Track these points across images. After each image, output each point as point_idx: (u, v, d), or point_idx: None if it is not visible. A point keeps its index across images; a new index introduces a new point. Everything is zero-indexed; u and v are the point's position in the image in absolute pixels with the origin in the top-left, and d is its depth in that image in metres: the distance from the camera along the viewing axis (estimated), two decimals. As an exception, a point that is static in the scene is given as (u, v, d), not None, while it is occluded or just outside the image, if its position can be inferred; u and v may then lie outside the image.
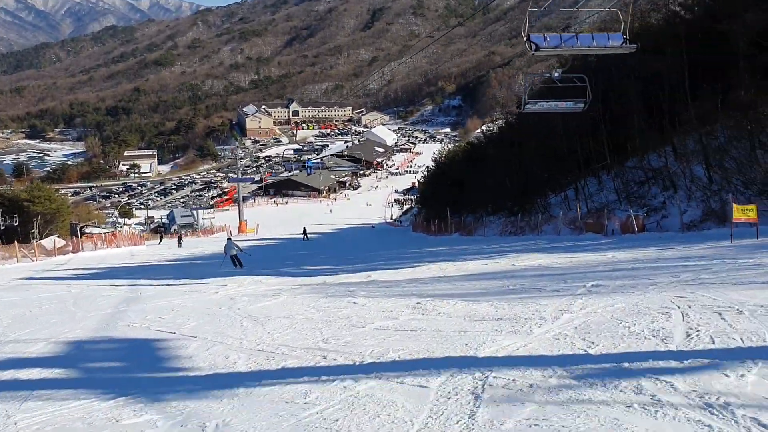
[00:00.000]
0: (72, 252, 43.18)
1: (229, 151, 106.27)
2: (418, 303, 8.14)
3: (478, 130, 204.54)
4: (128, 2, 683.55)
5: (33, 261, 35.51)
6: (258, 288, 11.63)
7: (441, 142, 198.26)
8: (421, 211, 77.02)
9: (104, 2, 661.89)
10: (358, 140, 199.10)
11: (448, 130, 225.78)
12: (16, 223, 48.24)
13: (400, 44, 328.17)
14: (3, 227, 47.05)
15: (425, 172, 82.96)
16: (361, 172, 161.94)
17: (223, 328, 7.57)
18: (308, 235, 46.81)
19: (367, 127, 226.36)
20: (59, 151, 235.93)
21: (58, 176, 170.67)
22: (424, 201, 62.17)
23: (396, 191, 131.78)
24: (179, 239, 50.32)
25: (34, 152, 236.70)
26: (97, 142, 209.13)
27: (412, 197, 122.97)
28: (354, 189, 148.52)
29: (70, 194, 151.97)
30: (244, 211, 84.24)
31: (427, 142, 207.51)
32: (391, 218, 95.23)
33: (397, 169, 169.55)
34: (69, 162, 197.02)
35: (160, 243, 53.04)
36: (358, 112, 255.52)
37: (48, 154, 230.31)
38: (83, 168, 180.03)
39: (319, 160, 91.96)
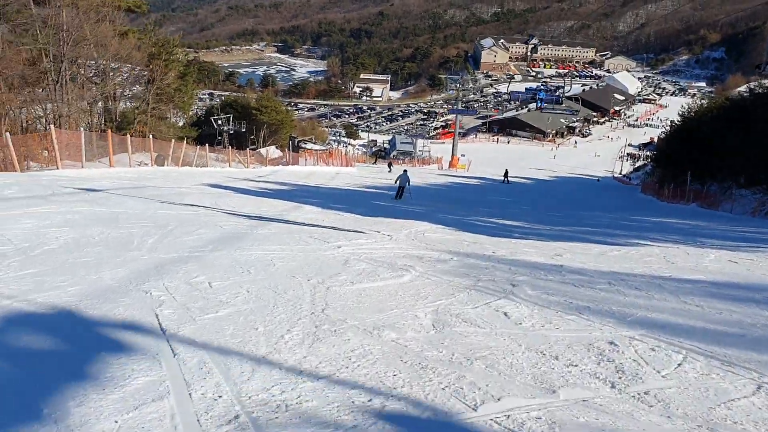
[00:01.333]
0: (283, 164, 43.97)
1: (458, 83, 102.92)
2: (612, 345, 4.47)
3: (741, 88, 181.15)
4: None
5: (245, 167, 36.11)
6: (392, 250, 8.40)
7: (692, 97, 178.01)
8: (655, 170, 68.85)
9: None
10: (597, 84, 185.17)
11: (702, 84, 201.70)
12: (244, 129, 50.35)
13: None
14: (232, 131, 49.38)
15: (667, 128, 73.07)
16: (595, 118, 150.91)
17: (261, 334, 4.52)
18: (509, 179, 43.79)
19: (609, 72, 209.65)
20: (304, 68, 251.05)
21: (299, 91, 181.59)
22: (661, 160, 54.20)
23: (630, 145, 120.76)
24: (389, 165, 50.43)
25: (282, 66, 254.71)
26: (338, 63, 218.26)
27: (647, 153, 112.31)
28: (584, 136, 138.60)
29: (306, 109, 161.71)
30: (459, 146, 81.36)
31: (676, 95, 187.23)
32: (620, 173, 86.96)
33: (636, 120, 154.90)
34: (311, 79, 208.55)
35: (374, 163, 53.41)
36: (602, 55, 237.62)
37: (294, 69, 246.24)
38: (321, 86, 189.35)
39: (555, 94, 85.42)
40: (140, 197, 12.44)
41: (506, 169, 46.56)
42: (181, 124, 41.74)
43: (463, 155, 72.77)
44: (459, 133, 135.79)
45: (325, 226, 10.45)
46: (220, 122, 48.63)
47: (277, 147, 46.95)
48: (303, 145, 48.62)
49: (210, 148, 33.46)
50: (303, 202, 15.99)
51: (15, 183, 12.47)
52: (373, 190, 26.67)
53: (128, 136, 24.60)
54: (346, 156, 54.78)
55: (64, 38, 25.11)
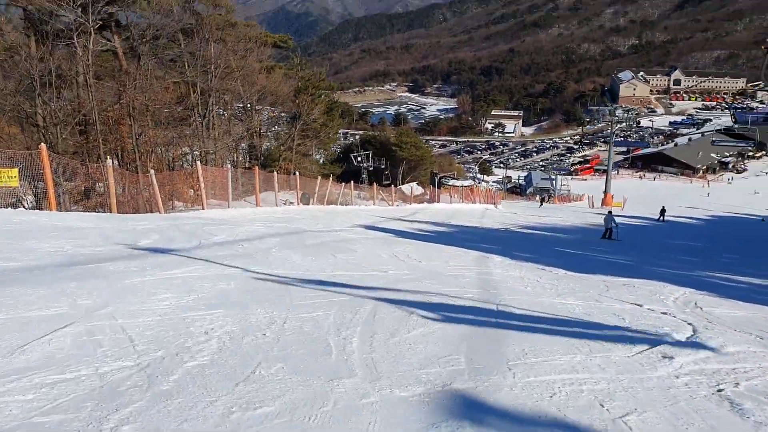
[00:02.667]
0: (428, 201, 41.49)
1: (600, 114, 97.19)
2: None
3: None
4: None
5: (389, 205, 33.92)
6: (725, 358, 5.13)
7: None
8: None
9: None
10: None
11: None
12: (383, 166, 48.64)
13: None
14: (371, 168, 47.79)
15: None
16: (750, 153, 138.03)
17: None
18: (665, 217, 40.61)
19: (763, 103, 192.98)
20: (434, 106, 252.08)
21: (430, 128, 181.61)
22: None
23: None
24: (542, 201, 47.80)
25: (413, 105, 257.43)
26: (468, 100, 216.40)
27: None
28: (738, 172, 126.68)
29: (437, 146, 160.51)
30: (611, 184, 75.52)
31: None
32: (787, 212, 77.68)
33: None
34: (441, 116, 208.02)
35: (540, 206, 50.32)
36: (754, 86, 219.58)
37: (424, 108, 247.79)
38: (452, 123, 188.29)
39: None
40: (303, 247, 9.90)
41: (663, 207, 42.99)
42: (321, 161, 40.54)
43: (612, 192, 67.21)
44: (599, 170, 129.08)
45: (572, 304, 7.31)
46: (359, 159, 47.14)
47: (418, 183, 44.56)
48: (445, 182, 45.91)
49: (351, 185, 31.55)
50: (481, 250, 13.01)
51: (155, 229, 10.32)
52: (541, 233, 23.25)
53: (275, 173, 22.91)
54: (490, 191, 51.51)
55: (212, 72, 24.01)
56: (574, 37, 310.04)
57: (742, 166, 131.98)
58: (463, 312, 5.63)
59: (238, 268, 7.14)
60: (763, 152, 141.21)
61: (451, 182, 44.98)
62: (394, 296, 6.13)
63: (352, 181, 30.66)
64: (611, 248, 18.12)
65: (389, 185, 41.30)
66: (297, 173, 26.03)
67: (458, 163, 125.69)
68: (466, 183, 49.54)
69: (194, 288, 5.81)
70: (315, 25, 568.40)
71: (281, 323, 4.76)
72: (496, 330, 5.03)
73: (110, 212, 14.04)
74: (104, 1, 20.98)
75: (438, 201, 41.36)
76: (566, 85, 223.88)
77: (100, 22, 22.30)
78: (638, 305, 7.31)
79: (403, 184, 46.66)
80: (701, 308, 7.53)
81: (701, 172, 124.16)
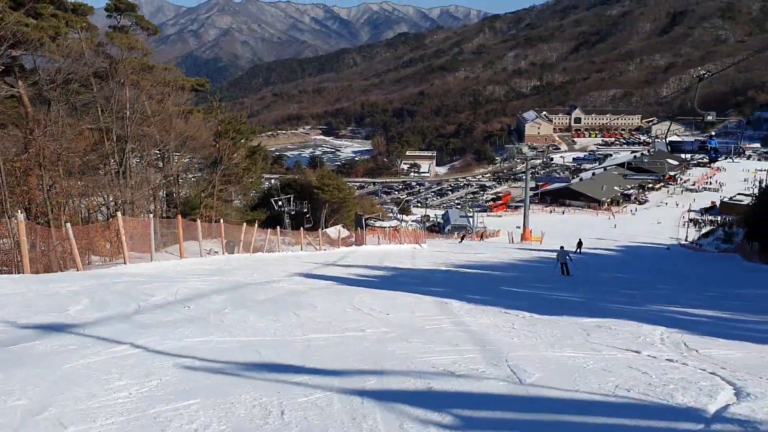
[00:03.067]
0: (356, 244, 40.70)
1: (512, 152, 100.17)
2: None
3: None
4: (420, 11, 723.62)
5: (317, 250, 32.87)
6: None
7: (749, 159, 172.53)
8: (731, 236, 65.04)
9: (399, 11, 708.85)
10: (648, 150, 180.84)
11: (757, 145, 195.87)
12: (306, 210, 47.51)
13: (702, 50, 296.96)
14: (293, 212, 46.54)
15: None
16: (650, 185, 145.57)
17: None
18: (581, 249, 42.49)
19: (658, 138, 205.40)
20: (349, 148, 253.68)
21: (347, 170, 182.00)
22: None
23: (692, 210, 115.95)
24: (461, 238, 47.85)
25: (327, 147, 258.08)
26: (382, 141, 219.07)
27: (712, 218, 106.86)
28: (640, 203, 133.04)
29: (356, 187, 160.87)
30: (514, 218, 77.27)
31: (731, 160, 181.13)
32: (686, 240, 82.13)
33: (693, 185, 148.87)
34: (357, 158, 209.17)
35: (460, 241, 51.75)
36: (648, 121, 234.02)
37: (339, 150, 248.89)
38: (368, 164, 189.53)
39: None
40: (256, 305, 8.86)
41: (580, 239, 44.85)
42: (242, 206, 39.06)
43: (530, 227, 68.72)
44: (511, 206, 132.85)
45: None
46: (280, 203, 45.90)
47: (343, 226, 43.72)
48: (372, 223, 45.25)
49: (277, 231, 30.41)
50: (433, 294, 12.34)
51: (82, 291, 9.00)
52: (478, 271, 22.92)
53: (198, 221, 21.58)
54: (416, 231, 51.28)
55: (128, 117, 22.58)
56: (479, 79, 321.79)
57: (644, 197, 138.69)
58: (485, 386, 4.84)
59: (195, 338, 6.11)
60: (661, 183, 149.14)
61: (378, 223, 44.32)
62: (393, 365, 5.28)
63: (278, 227, 29.53)
64: (554, 285, 17.96)
65: (311, 229, 40.29)
66: (221, 220, 24.74)
67: (378, 204, 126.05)
68: (393, 223, 49.06)
69: (153, 369, 4.77)
70: (225, 70, 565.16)
71: (278, 413, 3.83)
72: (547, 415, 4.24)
73: (22, 272, 12.49)
74: (6, 44, 19.35)
75: (364, 243, 40.69)
76: (475, 125, 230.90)
77: (2, 67, 20.62)
78: (635, 352, 6.83)
79: (326, 227, 45.72)
80: (697, 350, 7.13)
81: (606, 204, 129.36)
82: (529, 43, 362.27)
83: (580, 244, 43.51)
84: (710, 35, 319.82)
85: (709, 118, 20.53)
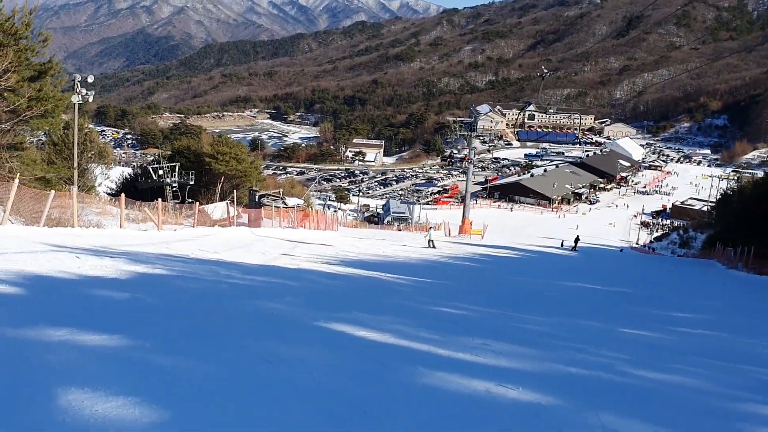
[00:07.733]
0: (245, 226, 31.99)
1: (462, 142, 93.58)
2: None
3: (750, 155, 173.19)
4: (380, 2, 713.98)
5: (157, 230, 23.77)
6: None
7: (698, 164, 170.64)
8: (689, 240, 63.40)
9: (359, 1, 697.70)
10: (601, 150, 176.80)
11: (707, 151, 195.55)
12: (191, 182, 38.52)
13: (656, 55, 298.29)
14: (175, 185, 37.55)
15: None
16: (601, 185, 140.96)
17: None
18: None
19: (609, 139, 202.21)
20: (296, 134, 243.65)
21: (288, 155, 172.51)
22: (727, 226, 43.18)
23: (643, 213, 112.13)
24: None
25: (274, 132, 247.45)
26: (330, 128, 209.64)
27: (662, 222, 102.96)
28: (591, 203, 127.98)
29: (295, 173, 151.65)
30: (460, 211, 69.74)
31: (681, 162, 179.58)
32: (637, 242, 77.45)
33: (645, 187, 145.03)
34: (303, 144, 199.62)
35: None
36: (601, 122, 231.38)
37: (286, 135, 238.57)
38: (312, 150, 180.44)
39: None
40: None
41: (577, 236, 45.68)
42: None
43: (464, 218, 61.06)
44: (458, 199, 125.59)
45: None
46: (161, 173, 36.81)
47: (232, 203, 34.82)
48: (267, 202, 36.48)
49: (122, 200, 21.59)
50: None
51: None
52: (364, 271, 14.65)
53: None
54: (325, 216, 42.75)
55: None
56: (435, 71, 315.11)
57: (594, 197, 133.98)
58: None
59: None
60: (613, 185, 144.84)
61: (278, 203, 35.46)
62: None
63: (159, 200, 20.59)
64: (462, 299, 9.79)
65: (190, 204, 31.46)
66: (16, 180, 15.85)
67: (316, 190, 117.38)
68: (298, 202, 40.07)
69: None
70: (176, 49, 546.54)
71: None
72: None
73: None
74: None
75: (260, 226, 32.10)
76: (427, 116, 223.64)
77: None
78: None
79: (218, 203, 36.77)
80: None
81: (556, 202, 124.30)
82: (487, 38, 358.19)
83: (577, 240, 43.67)
84: (664, 41, 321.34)
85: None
